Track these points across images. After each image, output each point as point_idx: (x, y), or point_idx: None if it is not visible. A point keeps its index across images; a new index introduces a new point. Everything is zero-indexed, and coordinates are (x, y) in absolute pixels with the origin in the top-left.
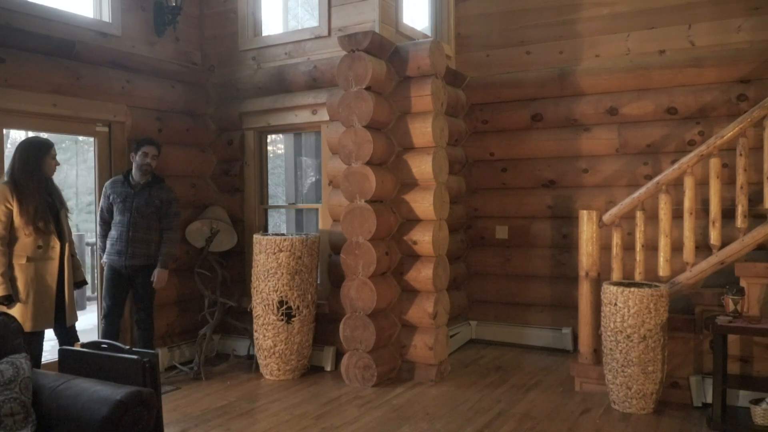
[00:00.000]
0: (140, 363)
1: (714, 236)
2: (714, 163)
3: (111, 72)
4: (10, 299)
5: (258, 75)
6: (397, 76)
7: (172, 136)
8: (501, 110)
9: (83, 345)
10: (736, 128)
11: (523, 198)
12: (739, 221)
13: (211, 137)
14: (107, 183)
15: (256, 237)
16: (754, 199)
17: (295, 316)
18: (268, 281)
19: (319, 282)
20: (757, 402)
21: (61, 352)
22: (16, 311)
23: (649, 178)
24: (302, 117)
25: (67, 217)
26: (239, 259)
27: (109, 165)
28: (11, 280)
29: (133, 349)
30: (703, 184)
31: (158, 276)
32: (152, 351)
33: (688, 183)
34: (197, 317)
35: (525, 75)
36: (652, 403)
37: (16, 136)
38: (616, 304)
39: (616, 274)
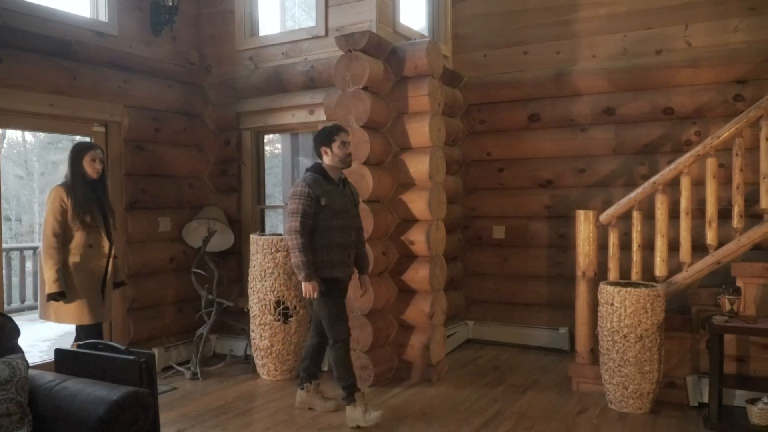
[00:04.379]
0: (136, 363)
1: (710, 236)
2: (710, 164)
3: (108, 72)
4: (64, 296)
5: (255, 75)
6: (395, 76)
7: (169, 136)
8: (498, 110)
9: (80, 345)
10: (733, 128)
11: (520, 198)
12: (736, 221)
13: (208, 137)
14: (308, 183)
15: (253, 237)
16: (751, 199)
17: (292, 316)
18: (265, 281)
19: None
20: (753, 401)
21: (57, 352)
22: (73, 307)
23: (645, 178)
24: (299, 117)
25: (113, 220)
26: (236, 259)
27: (105, 165)
28: (65, 277)
29: (130, 349)
30: (699, 184)
31: (369, 284)
32: (148, 351)
33: (685, 183)
34: (194, 317)
35: (522, 75)
36: (649, 403)
37: (13, 136)
38: (612, 304)
39: (612, 274)
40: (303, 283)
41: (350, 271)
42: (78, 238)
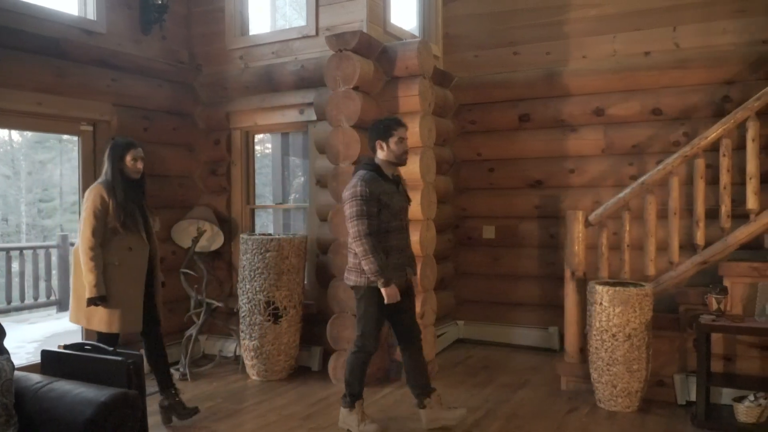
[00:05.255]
0: (124, 364)
1: (698, 236)
2: (698, 164)
3: (96, 70)
4: (104, 300)
5: (245, 74)
6: (385, 76)
7: (159, 135)
8: (489, 110)
9: (66, 347)
10: (720, 129)
11: (510, 198)
12: (723, 221)
13: (198, 137)
14: (366, 181)
15: (243, 237)
16: (738, 199)
17: (282, 317)
18: (255, 281)
19: (306, 282)
20: (740, 399)
21: (44, 353)
22: (108, 313)
23: (634, 178)
24: (289, 116)
25: (154, 221)
26: (226, 260)
27: (93, 164)
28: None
29: (117, 350)
30: (687, 185)
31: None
32: (136, 352)
33: (673, 183)
34: (183, 318)
35: (513, 75)
36: (637, 401)
37: (0, 135)
38: (601, 304)
39: (602, 274)
40: (384, 290)
41: (406, 277)
42: (117, 240)
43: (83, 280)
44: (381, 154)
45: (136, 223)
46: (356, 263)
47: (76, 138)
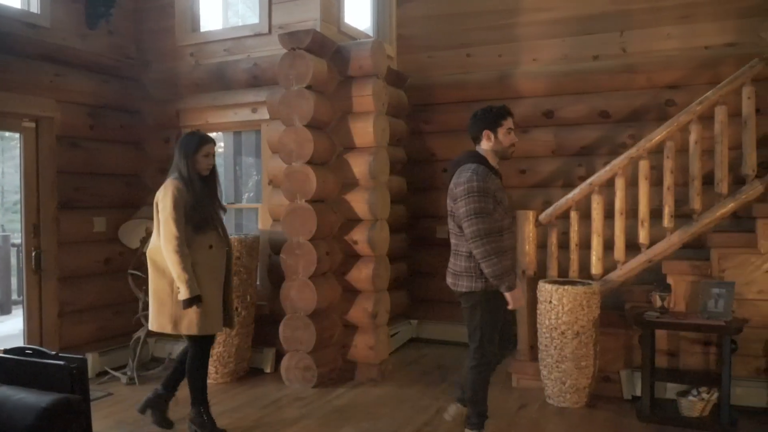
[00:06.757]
0: (67, 369)
1: (643, 235)
2: (643, 165)
3: (40, 65)
4: (200, 300)
5: (196, 71)
6: (339, 76)
7: (106, 132)
8: (442, 111)
9: (6, 351)
10: (664, 132)
11: None
12: (666, 221)
13: (147, 134)
14: (480, 175)
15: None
16: (681, 200)
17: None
18: None
19: (258, 283)
20: (683, 394)
21: None
22: (194, 314)
23: (583, 179)
24: (242, 115)
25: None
26: None
27: (36, 162)
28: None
29: (60, 354)
30: (633, 185)
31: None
32: (80, 356)
33: (619, 184)
34: (131, 320)
35: (466, 77)
36: (585, 397)
37: None
38: (551, 302)
39: (551, 273)
40: (508, 294)
41: (516, 279)
42: (198, 237)
43: (176, 281)
44: (486, 145)
45: (214, 219)
46: (470, 266)
47: (18, 135)
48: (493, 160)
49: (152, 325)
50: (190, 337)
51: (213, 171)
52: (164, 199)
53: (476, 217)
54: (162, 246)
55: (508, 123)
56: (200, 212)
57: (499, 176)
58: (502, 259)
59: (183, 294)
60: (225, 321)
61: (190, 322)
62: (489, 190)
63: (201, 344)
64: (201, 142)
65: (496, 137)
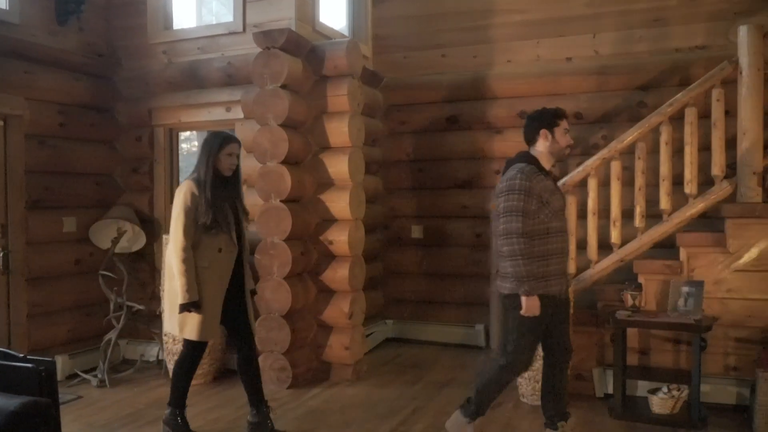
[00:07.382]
0: (35, 371)
1: (614, 235)
2: (615, 166)
3: (8, 62)
4: (198, 305)
5: (169, 70)
6: (314, 75)
7: (76, 131)
8: (417, 111)
9: None
10: (636, 133)
11: (438, 198)
12: (638, 221)
13: (118, 133)
14: (526, 174)
15: (166, 237)
16: (652, 200)
17: None
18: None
19: None
20: (654, 392)
21: None
22: (195, 319)
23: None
24: (216, 114)
25: (247, 222)
26: (148, 261)
27: (3, 161)
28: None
29: (28, 356)
30: (606, 186)
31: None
32: (48, 359)
33: (592, 184)
34: (102, 322)
35: (441, 78)
36: None
37: None
38: None
39: None
40: (524, 298)
41: (566, 286)
42: (207, 240)
43: (176, 284)
44: (542, 146)
45: (228, 222)
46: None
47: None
48: (546, 162)
49: (165, 327)
50: (189, 342)
51: (236, 172)
52: (176, 200)
53: (510, 215)
54: (169, 247)
55: (564, 123)
56: (212, 214)
57: (551, 178)
58: (529, 263)
59: (180, 298)
60: (242, 332)
61: (192, 327)
62: (533, 189)
63: (195, 348)
64: (225, 141)
65: (553, 137)
